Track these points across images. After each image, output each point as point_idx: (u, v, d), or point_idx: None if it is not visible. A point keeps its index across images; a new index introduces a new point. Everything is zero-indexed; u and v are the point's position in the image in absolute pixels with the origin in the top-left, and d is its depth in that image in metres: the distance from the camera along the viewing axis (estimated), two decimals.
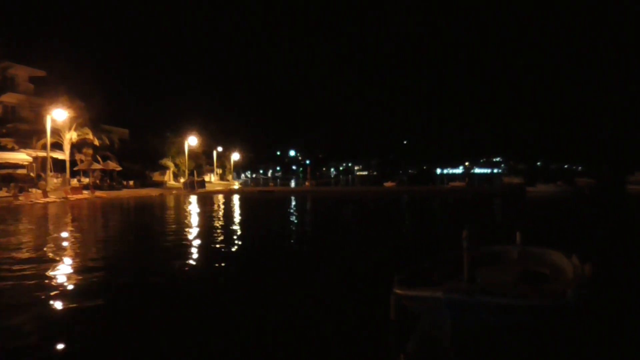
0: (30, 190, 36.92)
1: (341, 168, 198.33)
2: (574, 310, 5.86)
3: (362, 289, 8.72)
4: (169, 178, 65.15)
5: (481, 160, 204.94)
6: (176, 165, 65.66)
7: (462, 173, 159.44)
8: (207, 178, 68.48)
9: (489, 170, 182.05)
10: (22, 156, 41.55)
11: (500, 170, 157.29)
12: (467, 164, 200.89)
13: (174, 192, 49.84)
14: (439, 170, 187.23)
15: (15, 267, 11.07)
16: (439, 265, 7.57)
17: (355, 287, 8.96)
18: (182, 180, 60.62)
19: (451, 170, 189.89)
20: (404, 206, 33.05)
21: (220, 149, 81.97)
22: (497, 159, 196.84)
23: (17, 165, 41.32)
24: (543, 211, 28.34)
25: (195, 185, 52.44)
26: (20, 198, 33.20)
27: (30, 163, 43.43)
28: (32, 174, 43.68)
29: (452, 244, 8.81)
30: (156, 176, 62.29)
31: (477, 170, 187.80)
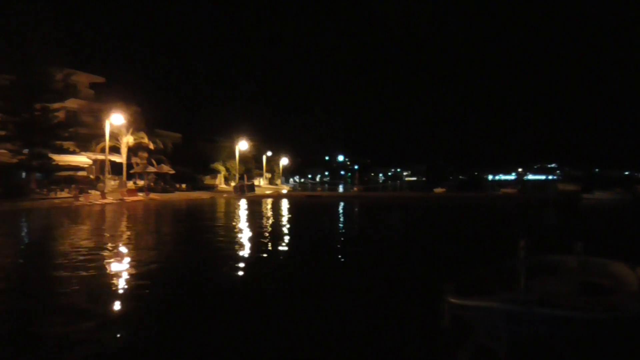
0: (89, 191, 38.54)
1: (389, 173, 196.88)
2: (637, 324, 5.59)
3: (413, 297, 8.61)
4: (219, 181, 66.47)
5: (535, 167, 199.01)
6: (227, 169, 66.89)
7: (515, 179, 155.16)
8: (256, 182, 69.44)
9: (543, 177, 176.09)
10: (82, 159, 43.47)
11: (555, 177, 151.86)
12: (520, 170, 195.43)
13: (224, 195, 50.82)
14: (490, 177, 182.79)
15: (93, 261, 11.64)
16: (493, 273, 7.38)
17: (405, 295, 8.86)
18: (232, 183, 61.70)
19: (503, 177, 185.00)
20: (455, 213, 32.44)
21: (269, 153, 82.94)
22: (552, 165, 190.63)
23: (78, 168, 43.20)
24: (599, 219, 27.21)
25: (245, 189, 53.25)
26: (81, 199, 34.67)
27: (90, 165, 45.33)
28: (91, 176, 45.58)
29: (505, 252, 8.59)
30: (207, 179, 63.65)
31: (530, 177, 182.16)
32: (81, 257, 12.43)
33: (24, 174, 37.79)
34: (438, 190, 58.58)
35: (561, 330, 5.26)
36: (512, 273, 6.72)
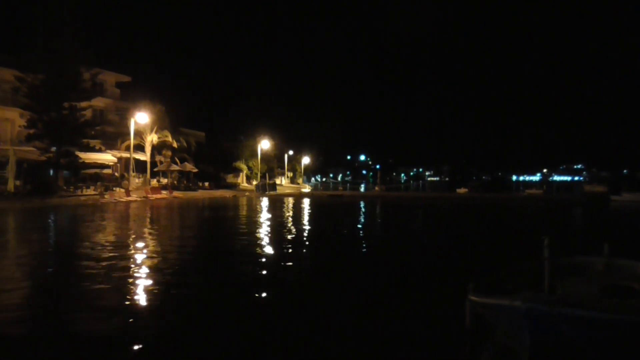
0: (114, 189, 39.21)
1: (412, 173, 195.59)
2: None
3: (434, 297, 8.54)
4: (242, 180, 66.89)
5: (561, 167, 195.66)
6: (249, 168, 67.28)
7: (540, 180, 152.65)
8: (278, 181, 69.68)
9: (569, 178, 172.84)
10: (108, 157, 44.24)
11: (581, 178, 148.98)
12: (545, 170, 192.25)
13: (246, 194, 51.18)
14: (514, 177, 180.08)
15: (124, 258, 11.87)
16: (516, 274, 7.29)
17: (426, 295, 8.80)
18: (254, 182, 62.08)
19: (528, 178, 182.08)
20: (478, 213, 32.08)
21: (291, 152, 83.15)
22: (579, 166, 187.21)
23: (103, 166, 43.98)
24: (628, 222, 26.62)
25: (267, 187, 53.55)
26: (106, 196, 35.28)
27: (115, 163, 46.11)
28: (116, 174, 46.38)
29: (529, 254, 8.47)
30: (230, 178, 64.13)
31: (556, 178, 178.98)
32: (111, 253, 12.68)
33: (51, 172, 38.63)
34: (461, 190, 57.99)
35: (584, 331, 5.16)
36: (537, 273, 6.62)
